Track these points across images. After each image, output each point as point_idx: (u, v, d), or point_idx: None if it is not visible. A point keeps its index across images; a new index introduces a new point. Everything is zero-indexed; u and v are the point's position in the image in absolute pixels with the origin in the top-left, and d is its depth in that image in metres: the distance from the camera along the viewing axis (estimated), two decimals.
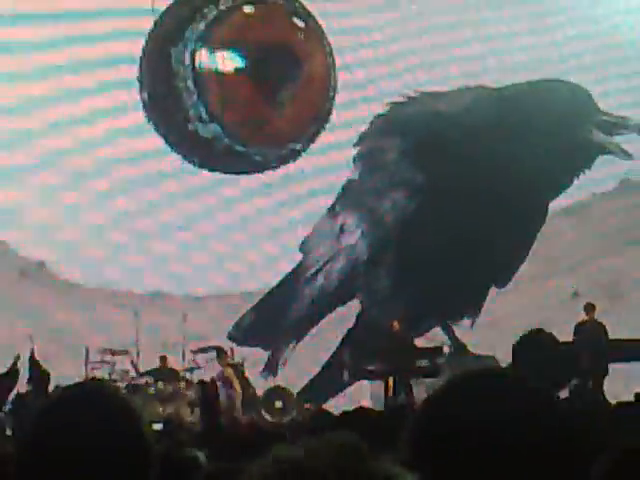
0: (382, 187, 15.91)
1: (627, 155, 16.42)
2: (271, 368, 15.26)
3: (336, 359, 15.18)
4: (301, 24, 15.22)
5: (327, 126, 15.58)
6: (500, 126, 15.91)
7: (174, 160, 15.04)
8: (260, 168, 15.25)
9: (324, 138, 15.72)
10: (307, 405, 13.98)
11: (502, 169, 15.76)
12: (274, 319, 15.38)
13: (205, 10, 14.83)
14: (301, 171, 15.62)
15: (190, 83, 14.69)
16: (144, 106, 14.65)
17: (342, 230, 15.83)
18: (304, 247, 15.82)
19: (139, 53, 14.53)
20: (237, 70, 14.96)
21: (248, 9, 14.95)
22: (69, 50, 14.90)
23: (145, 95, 14.64)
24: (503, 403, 1.43)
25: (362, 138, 16.20)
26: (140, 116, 14.63)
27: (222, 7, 14.83)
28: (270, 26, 15.05)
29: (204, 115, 14.70)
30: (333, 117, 15.79)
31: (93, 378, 12.75)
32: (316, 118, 15.26)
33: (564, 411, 1.45)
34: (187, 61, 14.74)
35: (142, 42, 14.51)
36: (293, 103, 15.18)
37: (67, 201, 14.80)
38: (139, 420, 1.78)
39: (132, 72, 14.60)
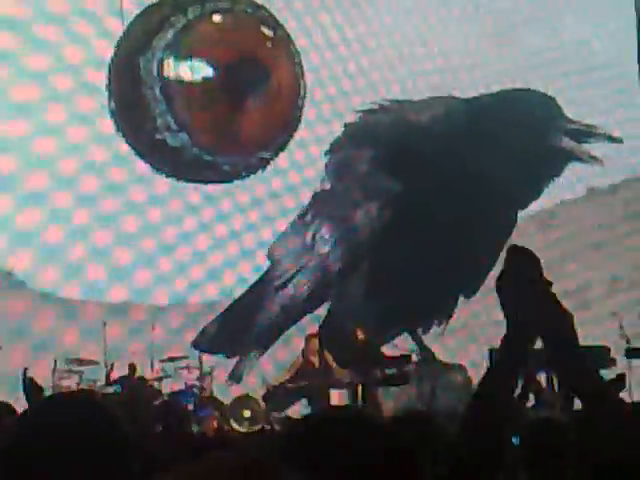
0: (355, 197, 15.94)
1: (596, 160, 16.55)
2: (236, 376, 15.23)
3: None
4: (270, 33, 15.24)
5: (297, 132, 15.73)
6: (470, 136, 16.00)
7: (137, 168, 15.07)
8: (229, 177, 15.26)
9: (292, 144, 15.81)
10: (276, 413, 13.97)
11: (472, 179, 15.83)
12: (240, 327, 15.34)
13: (173, 19, 14.81)
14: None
15: (158, 92, 14.67)
16: (112, 115, 14.60)
17: (314, 239, 15.84)
18: (271, 255, 15.81)
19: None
20: (205, 79, 14.95)
21: (217, 18, 14.95)
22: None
23: (113, 104, 14.60)
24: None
25: (333, 146, 16.24)
26: (108, 124, 14.60)
27: (190, 16, 14.82)
28: (239, 35, 15.07)
29: (172, 124, 14.68)
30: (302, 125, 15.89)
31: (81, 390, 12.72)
32: (285, 127, 15.29)
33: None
34: (155, 70, 14.73)
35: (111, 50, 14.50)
36: (262, 112, 15.19)
37: (31, 215, 14.70)
38: (118, 421, 1.81)
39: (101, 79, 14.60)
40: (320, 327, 15.50)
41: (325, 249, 15.82)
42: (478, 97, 16.62)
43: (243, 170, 15.13)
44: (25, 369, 12.91)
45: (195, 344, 15.08)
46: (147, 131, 14.71)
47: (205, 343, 15.13)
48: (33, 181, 14.67)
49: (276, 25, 15.30)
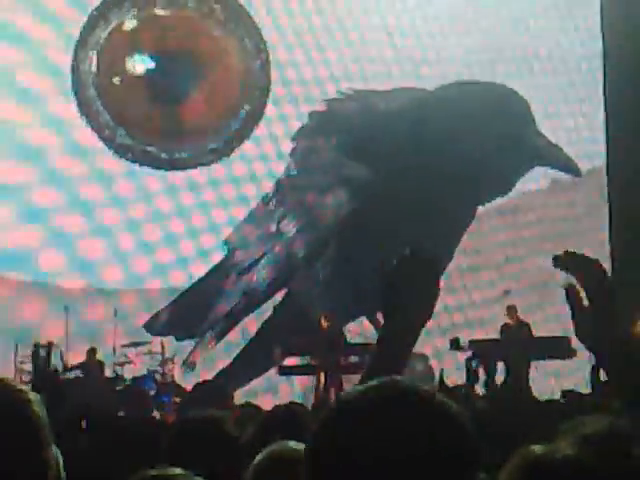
0: (320, 185, 15.96)
1: (576, 171, 16.69)
2: (190, 363, 15.17)
3: (253, 347, 15.20)
4: (215, 24, 15.48)
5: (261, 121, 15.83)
6: (436, 127, 16.06)
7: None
8: (185, 166, 15.46)
9: (256, 132, 15.85)
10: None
11: (436, 169, 15.91)
12: (195, 312, 15.27)
13: (110, 15, 15.12)
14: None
15: (93, 90, 14.98)
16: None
17: (279, 225, 15.83)
18: (231, 242, 15.75)
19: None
20: (137, 75, 15.23)
21: (155, 11, 15.27)
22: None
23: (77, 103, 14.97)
24: (396, 422, 1.43)
25: (298, 134, 16.24)
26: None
27: (127, 12, 15.08)
28: (179, 28, 15.37)
29: (110, 121, 15.02)
30: (267, 112, 15.95)
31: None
32: (230, 116, 15.52)
33: (461, 421, 1.46)
34: (91, 68, 15.02)
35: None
36: (202, 103, 15.45)
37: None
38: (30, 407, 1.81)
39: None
40: (274, 312, 15.54)
41: (290, 235, 15.83)
42: (444, 87, 16.67)
43: (192, 160, 15.38)
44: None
45: (147, 327, 15.01)
46: (98, 128, 15.00)
47: (158, 326, 15.07)
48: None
49: (226, 19, 15.52)
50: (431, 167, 15.86)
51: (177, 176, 15.55)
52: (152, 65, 15.39)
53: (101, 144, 15.13)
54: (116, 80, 15.26)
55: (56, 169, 14.81)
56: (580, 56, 18.21)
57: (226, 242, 15.71)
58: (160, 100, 15.36)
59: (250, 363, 15.07)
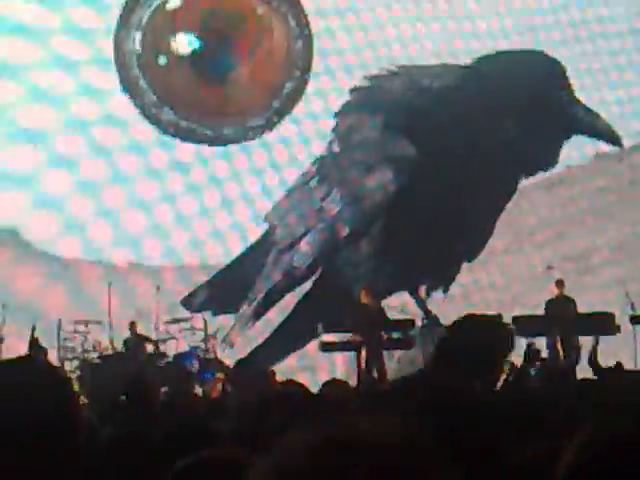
0: (365, 162, 15.82)
1: (619, 142, 16.45)
2: (228, 341, 15.15)
3: (291, 322, 15.17)
4: (259, 2, 15.46)
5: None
6: (479, 103, 15.91)
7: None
8: (227, 142, 15.53)
9: (297, 108, 15.83)
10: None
11: (483, 145, 15.77)
12: (234, 289, 15.24)
13: None
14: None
15: (137, 70, 15.02)
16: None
17: (322, 203, 15.74)
18: (270, 218, 15.70)
19: None
20: (182, 55, 15.27)
21: None
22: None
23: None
24: None
25: (341, 111, 16.12)
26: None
27: None
28: (223, 6, 15.32)
29: (155, 100, 15.07)
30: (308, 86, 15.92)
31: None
32: (273, 95, 15.54)
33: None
34: (134, 47, 15.08)
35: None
36: (246, 82, 15.47)
37: (42, 170, 14.68)
38: (65, 388, 1.83)
39: None
40: (313, 286, 15.49)
41: (334, 212, 15.71)
42: (483, 61, 16.45)
43: (234, 137, 15.42)
44: (33, 326, 13.01)
45: (185, 303, 15.02)
46: (144, 107, 15.06)
47: (196, 303, 15.07)
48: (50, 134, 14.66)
49: None
50: (476, 143, 15.72)
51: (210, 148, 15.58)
52: (197, 45, 15.38)
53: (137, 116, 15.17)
54: (162, 60, 15.26)
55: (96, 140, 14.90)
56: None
57: (266, 218, 15.68)
58: (205, 79, 15.38)
59: (288, 338, 15.07)
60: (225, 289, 15.24)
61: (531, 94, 15.82)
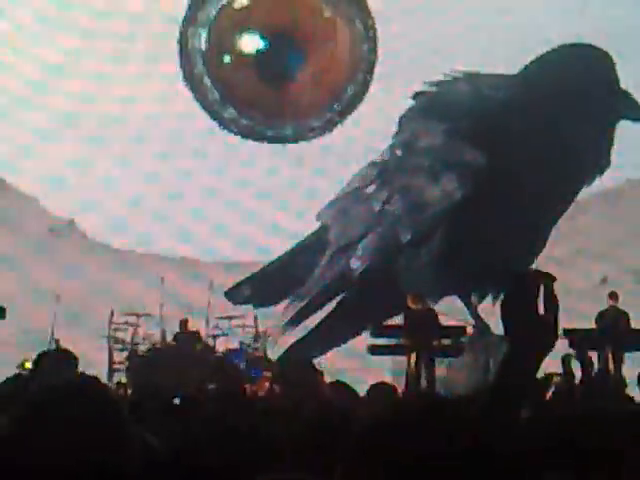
0: (430, 168, 15.65)
1: None
2: (272, 340, 15.01)
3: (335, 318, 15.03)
4: (326, 3, 15.44)
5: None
6: (539, 113, 15.69)
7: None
8: (287, 142, 15.56)
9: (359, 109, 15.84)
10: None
11: (545, 158, 15.54)
12: (280, 285, 15.13)
13: None
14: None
15: (201, 67, 15.09)
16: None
17: (381, 208, 15.61)
18: (323, 217, 15.58)
19: None
20: (247, 54, 15.28)
21: None
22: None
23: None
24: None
25: (404, 117, 15.99)
26: None
27: None
28: (285, 8, 15.31)
29: (218, 98, 15.13)
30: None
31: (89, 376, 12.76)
32: (334, 98, 15.57)
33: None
34: (199, 45, 15.15)
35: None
36: (309, 84, 15.49)
37: (99, 164, 14.82)
38: (119, 414, 1.82)
39: None
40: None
41: (395, 217, 15.55)
42: (532, 69, 16.18)
43: (294, 137, 15.45)
44: (57, 340, 12.93)
45: (229, 294, 14.91)
46: (206, 105, 15.12)
47: (240, 295, 14.97)
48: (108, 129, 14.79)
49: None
50: (540, 155, 15.49)
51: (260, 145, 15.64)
52: (262, 45, 15.41)
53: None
54: (227, 59, 15.30)
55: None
56: None
57: (318, 217, 15.60)
58: (268, 79, 15.41)
59: (329, 335, 14.94)
60: (271, 284, 15.17)
61: (584, 92, 15.50)
